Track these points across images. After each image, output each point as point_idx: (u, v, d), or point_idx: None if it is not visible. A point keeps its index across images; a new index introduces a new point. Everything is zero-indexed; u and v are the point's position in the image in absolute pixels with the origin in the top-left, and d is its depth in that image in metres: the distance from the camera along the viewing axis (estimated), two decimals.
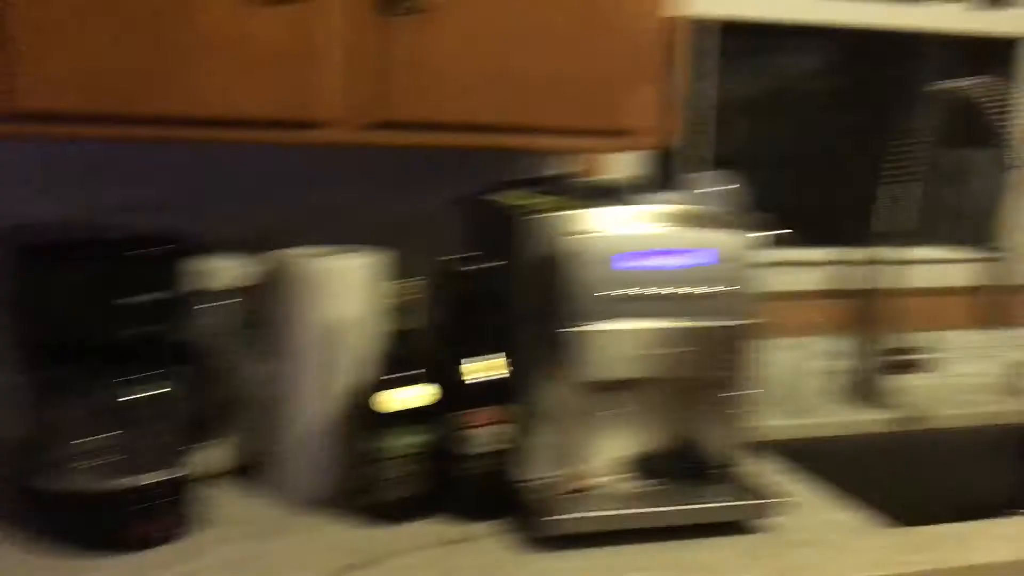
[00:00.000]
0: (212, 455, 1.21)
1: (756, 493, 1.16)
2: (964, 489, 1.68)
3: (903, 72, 1.86)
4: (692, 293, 1.11)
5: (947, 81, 1.53)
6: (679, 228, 1.13)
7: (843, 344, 1.74)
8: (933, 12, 1.76)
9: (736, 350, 1.15)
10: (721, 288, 1.11)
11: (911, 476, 1.63)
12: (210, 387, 1.17)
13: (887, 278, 1.68)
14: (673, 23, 1.23)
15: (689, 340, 1.12)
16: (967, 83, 1.49)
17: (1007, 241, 1.87)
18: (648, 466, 1.18)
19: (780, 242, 1.57)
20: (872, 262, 1.70)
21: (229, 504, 1.18)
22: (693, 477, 1.18)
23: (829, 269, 1.77)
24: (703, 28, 1.62)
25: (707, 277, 1.12)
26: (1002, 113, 1.43)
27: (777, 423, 1.55)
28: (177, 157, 1.33)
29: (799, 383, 1.60)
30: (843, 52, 1.88)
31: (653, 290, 1.10)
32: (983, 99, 1.45)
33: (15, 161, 1.28)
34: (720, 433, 1.20)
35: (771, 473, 1.33)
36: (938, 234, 1.70)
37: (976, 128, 1.45)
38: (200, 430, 1.15)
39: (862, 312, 1.74)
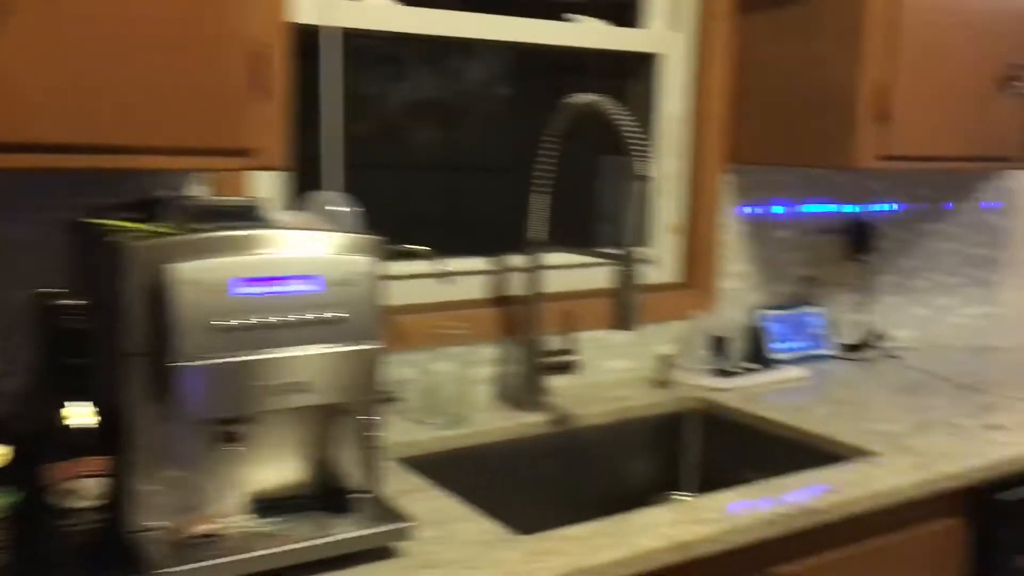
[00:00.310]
0: None
1: (390, 518, 1.14)
2: (613, 484, 1.78)
3: (568, 84, 1.95)
4: (315, 318, 1.07)
5: (578, 94, 1.60)
6: (298, 250, 1.08)
7: (499, 351, 1.78)
8: (565, 29, 1.84)
9: (366, 372, 1.13)
10: (339, 314, 1.08)
11: (551, 480, 1.70)
12: None
13: (538, 284, 1.74)
14: (284, 35, 1.18)
15: (316, 367, 1.08)
16: (595, 97, 1.56)
17: (639, 245, 2.01)
18: (277, 502, 1.13)
19: (414, 256, 1.58)
20: (524, 269, 1.76)
21: None
22: (327, 508, 1.14)
23: (487, 277, 1.81)
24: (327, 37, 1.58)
25: (328, 301, 1.08)
26: (629, 125, 1.51)
27: (417, 437, 1.55)
28: None
29: (453, 393, 1.62)
30: (519, 63, 1.93)
31: (272, 318, 1.04)
32: (612, 112, 1.53)
33: None
34: (355, 459, 1.17)
35: (413, 493, 1.33)
36: (584, 239, 1.79)
37: (611, 139, 1.52)
38: None
39: (516, 318, 1.79)
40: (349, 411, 1.15)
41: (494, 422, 1.65)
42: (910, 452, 1.53)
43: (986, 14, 1.86)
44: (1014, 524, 1.57)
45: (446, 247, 1.85)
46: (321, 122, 1.56)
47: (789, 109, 1.87)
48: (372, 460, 1.18)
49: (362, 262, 1.10)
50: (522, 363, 1.75)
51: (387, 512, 1.15)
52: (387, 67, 1.84)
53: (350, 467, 1.17)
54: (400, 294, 1.70)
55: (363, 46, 1.76)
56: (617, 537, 1.19)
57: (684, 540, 1.20)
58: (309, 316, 1.07)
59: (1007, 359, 2.18)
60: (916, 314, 2.40)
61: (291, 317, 1.06)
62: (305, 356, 1.07)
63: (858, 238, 2.23)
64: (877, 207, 2.27)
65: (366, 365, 1.12)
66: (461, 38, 1.73)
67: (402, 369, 1.68)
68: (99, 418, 1.02)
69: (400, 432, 1.57)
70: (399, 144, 1.89)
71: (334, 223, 1.16)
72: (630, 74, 2.01)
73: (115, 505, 1.05)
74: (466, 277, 1.78)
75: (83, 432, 1.02)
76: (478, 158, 1.98)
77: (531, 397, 1.74)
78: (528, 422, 1.68)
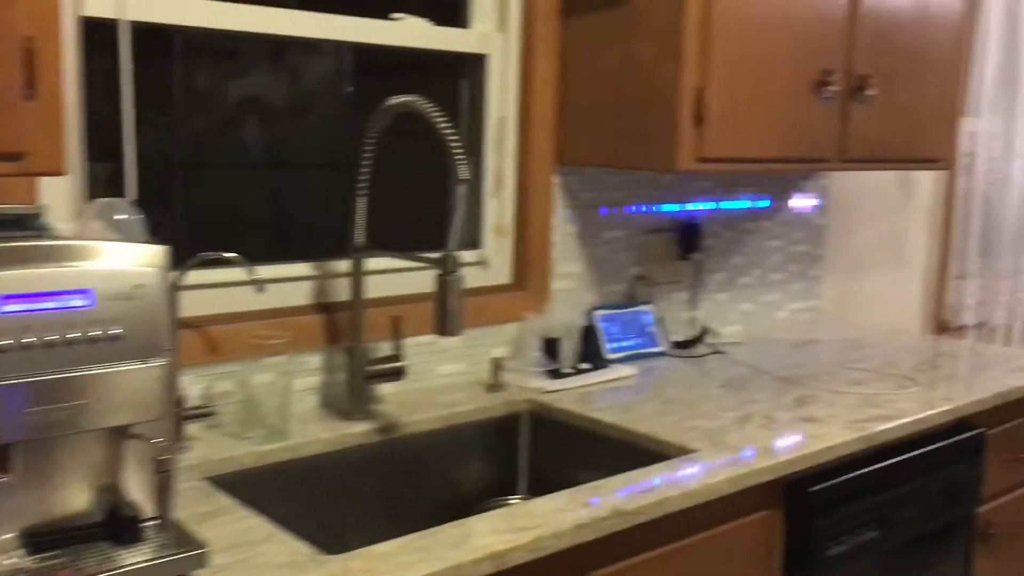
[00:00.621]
0: None
1: (183, 544, 1.07)
2: (443, 493, 1.75)
3: (408, 84, 1.90)
4: (84, 336, 0.99)
5: (398, 97, 1.56)
6: (70, 263, 1.00)
7: (323, 359, 1.73)
8: (387, 28, 1.80)
9: (152, 391, 1.05)
10: (114, 330, 1.00)
11: (387, 489, 1.66)
12: None
13: (362, 289, 1.69)
14: (58, 29, 1.09)
15: (89, 389, 1.00)
16: (412, 98, 1.53)
17: (470, 247, 1.99)
18: (54, 536, 1.04)
19: (224, 264, 1.51)
20: (347, 274, 1.71)
21: None
22: (115, 539, 1.07)
23: (311, 283, 1.75)
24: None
25: (101, 317, 1.00)
26: (446, 126, 1.48)
27: (244, 452, 1.49)
28: None
29: (273, 405, 1.55)
30: (359, 61, 1.87)
31: (31, 338, 0.96)
32: (429, 113, 1.50)
33: None
34: (145, 484, 1.10)
35: (219, 515, 1.26)
36: (411, 242, 1.74)
37: (431, 142, 1.49)
38: None
39: (341, 324, 1.74)
40: (136, 433, 1.07)
41: (317, 434, 1.59)
42: (727, 448, 1.56)
43: (800, 20, 1.92)
44: (827, 515, 1.63)
45: (277, 249, 1.79)
46: (123, 121, 1.47)
47: (612, 111, 1.89)
48: (165, 483, 1.10)
49: (144, 274, 1.03)
50: (348, 371, 1.70)
51: (181, 538, 1.09)
52: (225, 64, 1.76)
53: (141, 493, 1.10)
54: (214, 303, 1.63)
55: (199, 42, 1.68)
56: (429, 551, 1.16)
57: (497, 551, 1.18)
58: (76, 335, 0.99)
59: (825, 351, 2.27)
60: (744, 310, 2.47)
61: (55, 337, 0.97)
62: (76, 377, 0.99)
63: (686, 237, 2.28)
64: (704, 206, 2.33)
65: (151, 383, 1.04)
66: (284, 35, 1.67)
67: (218, 382, 1.60)
68: None
69: (215, 449, 1.49)
70: (236, 142, 1.81)
71: (118, 232, 1.08)
72: (466, 75, 1.98)
73: None
74: (290, 283, 1.72)
75: None
76: (316, 156, 1.92)
77: (357, 406, 1.69)
78: (353, 432, 1.63)
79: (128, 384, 1.02)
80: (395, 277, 1.83)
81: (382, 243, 1.67)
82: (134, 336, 1.02)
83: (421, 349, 1.84)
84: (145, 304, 1.02)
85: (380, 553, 1.16)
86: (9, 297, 0.93)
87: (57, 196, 1.40)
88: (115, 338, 0.99)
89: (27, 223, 1.09)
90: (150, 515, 1.09)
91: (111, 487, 1.09)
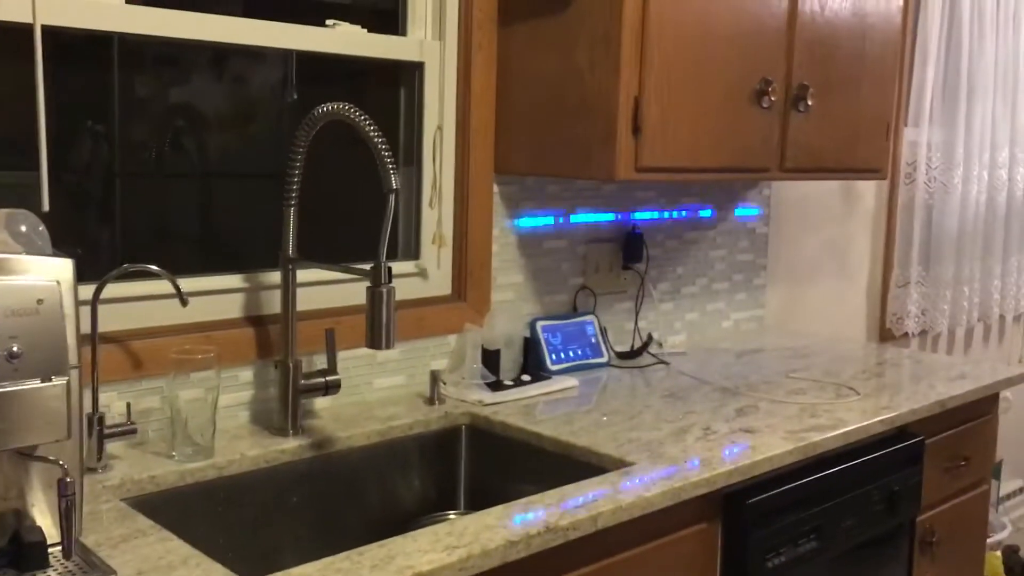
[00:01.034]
0: None
1: (91, 570, 1.03)
2: (378, 509, 1.71)
3: (349, 91, 1.87)
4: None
5: (326, 104, 1.53)
6: None
7: (254, 373, 1.69)
8: (320, 35, 1.76)
9: (54, 411, 1.01)
10: (10, 348, 0.96)
11: (318, 507, 1.62)
12: None
13: (293, 301, 1.65)
14: None
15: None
16: (341, 105, 1.49)
17: (409, 257, 1.96)
18: None
19: (148, 276, 1.46)
20: (277, 286, 1.66)
21: None
22: (18, 566, 1.02)
23: (240, 295, 1.70)
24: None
25: (1, 332, 0.96)
26: (377, 136, 1.45)
27: (167, 470, 1.44)
28: None
29: (200, 422, 1.50)
30: (301, 69, 1.83)
31: None
32: (358, 121, 1.47)
33: None
34: (50, 507, 1.05)
35: (135, 538, 1.20)
36: (352, 254, 1.70)
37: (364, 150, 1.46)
38: None
39: (272, 338, 1.69)
40: (40, 456, 1.03)
41: (245, 450, 1.55)
42: (665, 460, 1.54)
43: (739, 30, 1.92)
44: (765, 526, 1.62)
45: (212, 260, 1.73)
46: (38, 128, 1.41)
47: (551, 120, 1.87)
48: (70, 507, 1.05)
49: (47, 288, 0.98)
50: (280, 386, 1.66)
51: (89, 564, 1.04)
52: (166, 71, 1.71)
53: (47, 517, 1.05)
54: (139, 317, 1.57)
55: (137, 49, 1.63)
56: (349, 573, 1.13)
57: (422, 572, 1.14)
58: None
59: (768, 361, 2.27)
60: (689, 320, 2.47)
61: None
62: None
63: (630, 246, 2.27)
64: (647, 216, 2.32)
65: (54, 403, 1.00)
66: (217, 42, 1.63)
67: (143, 398, 1.55)
68: None
69: (137, 468, 1.44)
70: (176, 152, 1.76)
71: (21, 244, 1.03)
72: (404, 83, 1.95)
73: None
74: (220, 295, 1.68)
75: None
76: (257, 166, 1.88)
77: (290, 422, 1.64)
78: (285, 448, 1.59)
79: (30, 403, 0.98)
80: (329, 289, 1.79)
81: (320, 255, 1.63)
82: (35, 353, 0.97)
83: (357, 362, 1.81)
84: (47, 320, 0.98)
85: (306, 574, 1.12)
86: None
87: None
88: (14, 355, 0.95)
89: None
90: (56, 540, 1.04)
91: (15, 511, 1.04)
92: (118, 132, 1.66)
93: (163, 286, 1.50)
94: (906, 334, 3.12)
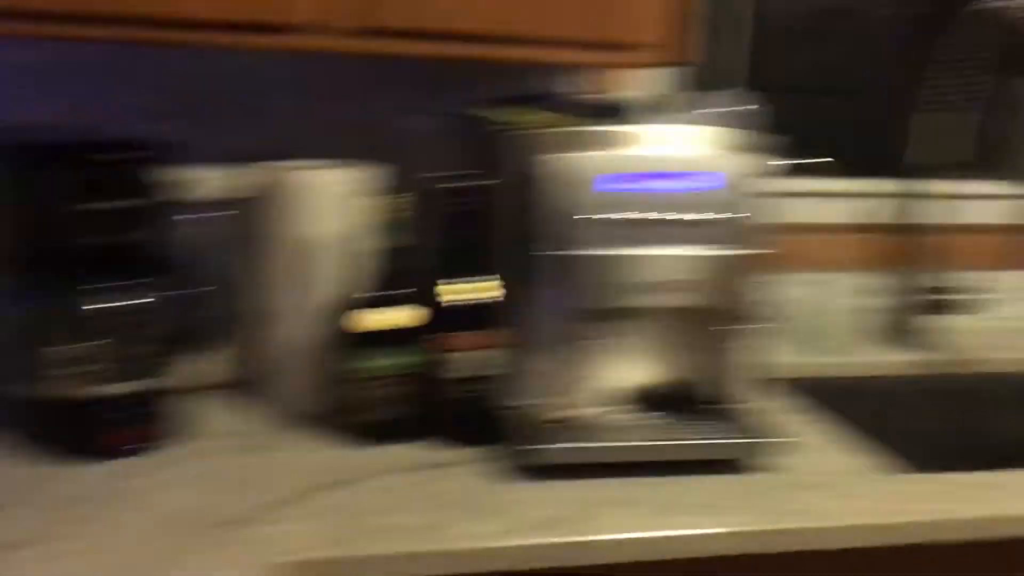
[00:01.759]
0: (198, 369, 1.19)
1: (758, 432, 1.09)
2: (998, 438, 1.58)
3: None
4: (692, 219, 1.03)
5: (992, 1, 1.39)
6: (680, 150, 1.05)
7: (876, 281, 1.64)
8: None
9: (741, 281, 1.07)
10: (723, 215, 1.03)
11: (941, 422, 1.54)
12: (195, 300, 1.15)
13: (926, 213, 1.56)
14: None
15: (687, 269, 1.05)
16: (1011, 3, 1.35)
17: None
18: (641, 399, 1.12)
19: (809, 171, 1.48)
20: (909, 195, 1.59)
21: (213, 418, 1.17)
22: (691, 412, 1.12)
23: (862, 201, 1.66)
24: None
25: (709, 202, 1.04)
26: None
27: (799, 360, 1.47)
28: (178, 64, 1.28)
29: (826, 320, 1.51)
30: None
31: (646, 215, 1.02)
32: None
33: (10, 62, 1.25)
34: (724, 368, 1.13)
35: (781, 412, 1.26)
36: (984, 168, 1.57)
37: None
38: (183, 343, 1.13)
39: (898, 248, 1.63)
40: (721, 318, 1.10)
41: (870, 355, 1.52)
42: None
43: None
44: None
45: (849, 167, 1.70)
46: None
47: None
48: (746, 372, 1.12)
49: (746, 165, 1.04)
50: (903, 297, 1.59)
51: (754, 427, 1.10)
52: None
53: (719, 377, 1.13)
54: (793, 212, 1.60)
55: None
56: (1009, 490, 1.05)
57: None
58: (688, 216, 1.03)
59: None
60: None
61: (665, 215, 1.03)
62: (679, 256, 1.04)
63: None
64: None
65: (740, 272, 1.06)
66: None
67: (786, 290, 1.58)
68: (498, 294, 1.07)
69: (777, 353, 1.49)
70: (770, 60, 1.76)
71: (725, 122, 1.10)
72: None
73: (494, 380, 1.10)
74: (840, 199, 1.64)
75: (474, 308, 1.08)
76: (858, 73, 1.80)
77: (912, 334, 1.58)
78: (907, 360, 1.53)
79: (728, 269, 1.06)
80: (959, 204, 1.66)
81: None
82: (744, 224, 1.04)
83: (984, 285, 1.66)
84: (757, 194, 1.04)
85: (966, 482, 1.08)
86: (645, 176, 1.01)
87: (644, 88, 1.46)
88: (734, 223, 1.02)
89: (635, 111, 1.16)
90: (733, 399, 1.12)
91: (698, 365, 1.13)
92: None
93: (811, 184, 1.51)
94: None
